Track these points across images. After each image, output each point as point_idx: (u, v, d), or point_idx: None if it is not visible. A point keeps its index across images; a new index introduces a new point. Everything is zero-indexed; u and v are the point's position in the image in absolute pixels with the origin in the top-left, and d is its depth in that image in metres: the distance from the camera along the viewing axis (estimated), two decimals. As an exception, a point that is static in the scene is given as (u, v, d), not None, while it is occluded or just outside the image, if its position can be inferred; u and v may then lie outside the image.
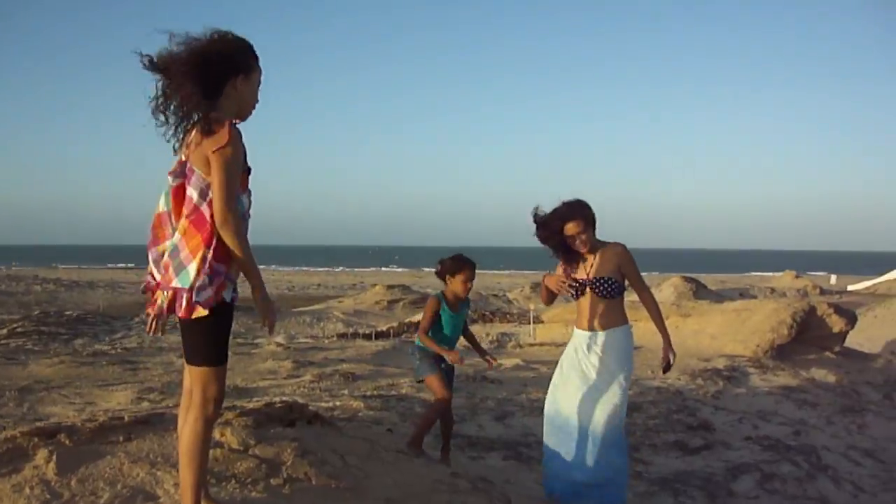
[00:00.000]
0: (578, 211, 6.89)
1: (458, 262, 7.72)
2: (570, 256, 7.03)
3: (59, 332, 28.46)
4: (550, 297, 7.43)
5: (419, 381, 7.94)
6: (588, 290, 6.91)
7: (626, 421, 10.16)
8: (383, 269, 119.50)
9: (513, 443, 8.99)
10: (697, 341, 18.41)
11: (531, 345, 21.09)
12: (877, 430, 12.15)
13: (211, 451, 5.18)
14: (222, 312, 4.15)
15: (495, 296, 49.41)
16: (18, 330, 27.57)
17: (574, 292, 6.95)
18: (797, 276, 73.06)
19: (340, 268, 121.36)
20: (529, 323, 29.02)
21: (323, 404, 9.13)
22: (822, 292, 63.44)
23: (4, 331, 26.71)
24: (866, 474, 9.79)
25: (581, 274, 7.00)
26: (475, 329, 33.52)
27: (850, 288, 72.31)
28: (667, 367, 7.10)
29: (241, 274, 4.22)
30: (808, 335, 17.96)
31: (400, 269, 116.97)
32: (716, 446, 9.57)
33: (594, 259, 6.96)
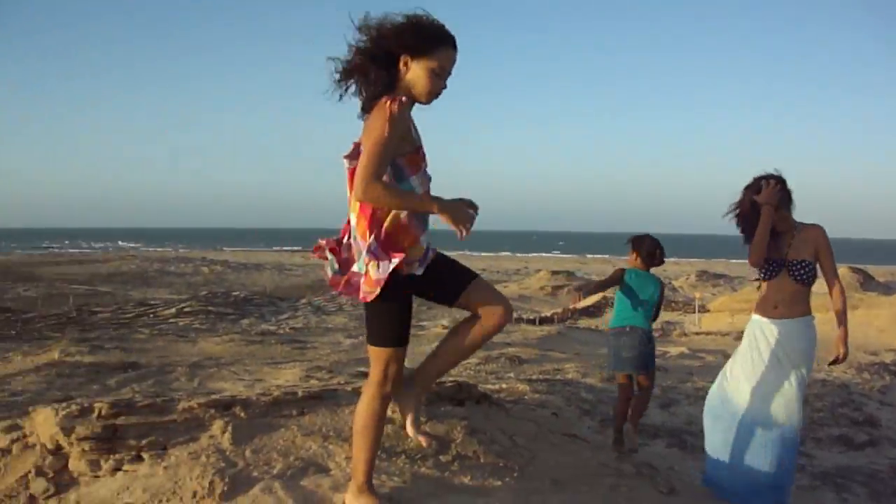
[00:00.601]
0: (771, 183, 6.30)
1: (647, 242, 8.02)
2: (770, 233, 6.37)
3: (227, 311, 29.05)
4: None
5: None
6: (784, 271, 6.34)
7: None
8: (544, 254, 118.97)
9: (677, 430, 8.94)
10: (864, 334, 18.04)
11: (696, 333, 20.94)
12: None
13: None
14: (395, 297, 4.14)
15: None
16: (186, 309, 28.24)
17: (765, 271, 6.40)
18: (973, 269, 70.61)
19: (505, 252, 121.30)
20: (695, 312, 28.76)
21: (489, 386, 9.18)
22: None
23: (173, 310, 27.40)
24: None
25: (777, 253, 6.38)
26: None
27: None
28: (835, 361, 6.43)
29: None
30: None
31: (564, 255, 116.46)
32: (881, 443, 9.35)
33: (791, 239, 6.39)
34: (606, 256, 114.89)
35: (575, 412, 8.88)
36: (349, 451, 4.87)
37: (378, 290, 4.04)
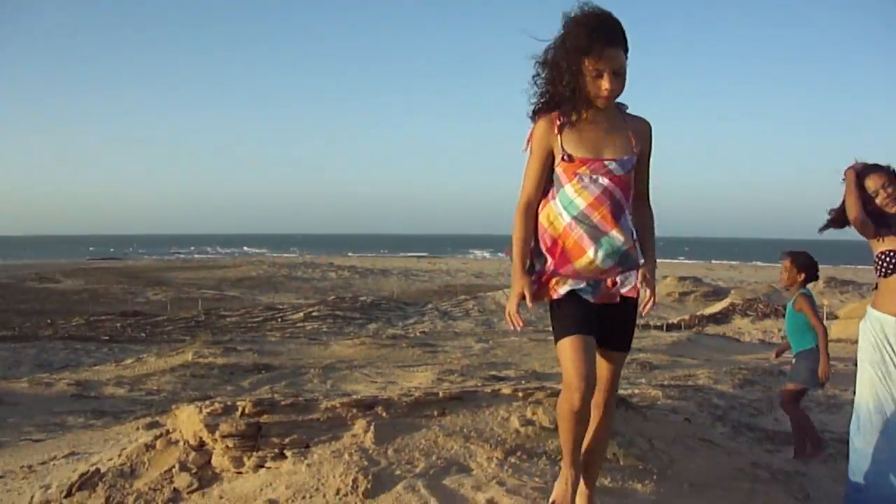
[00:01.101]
0: (876, 166, 5.59)
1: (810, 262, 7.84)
2: (881, 222, 5.58)
3: (354, 316, 29.38)
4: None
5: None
6: None
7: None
8: (669, 260, 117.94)
9: (809, 439, 8.83)
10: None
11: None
12: None
13: (523, 429, 5.34)
14: (560, 304, 4.08)
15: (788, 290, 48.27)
16: (314, 314, 28.63)
17: (883, 267, 5.55)
18: None
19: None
20: (824, 319, 28.41)
21: (622, 391, 9.18)
22: None
23: (301, 314, 27.77)
24: None
25: (892, 244, 5.54)
26: (767, 324, 33.04)
27: None
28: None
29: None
30: None
31: (689, 261, 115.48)
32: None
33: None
34: (734, 262, 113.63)
35: (707, 418, 8.82)
36: (490, 452, 4.94)
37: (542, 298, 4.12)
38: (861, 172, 5.55)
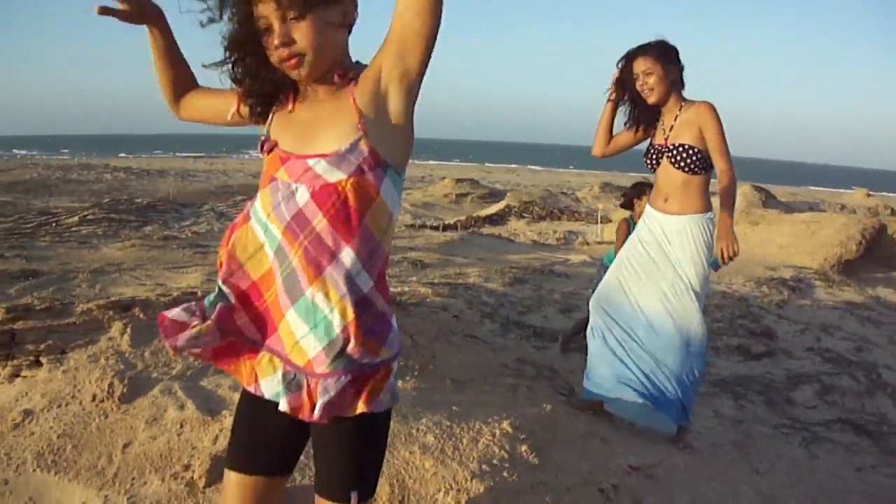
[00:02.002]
0: (653, 47, 5.49)
1: (641, 186, 8.03)
2: (648, 116, 5.72)
3: (130, 219, 28.71)
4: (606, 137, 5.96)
5: None
6: (665, 158, 5.61)
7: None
8: (445, 162, 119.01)
9: (578, 335, 9.02)
10: (765, 250, 18.37)
11: (598, 243, 21.13)
12: (941, 353, 12.15)
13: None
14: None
15: (564, 194, 49.18)
16: (89, 217, 27.83)
17: (648, 160, 5.71)
18: (869, 195, 72.37)
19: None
20: (597, 223, 29.07)
21: (392, 289, 9.21)
22: (894, 213, 62.98)
23: (76, 218, 27.00)
24: (926, 395, 9.81)
25: (659, 139, 5.66)
26: (543, 226, 33.68)
27: (924, 210, 71.62)
28: (724, 259, 5.34)
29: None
30: (876, 253, 17.92)
31: (465, 164, 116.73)
32: (777, 354, 9.56)
33: (674, 120, 5.59)
34: (512, 165, 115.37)
35: (476, 315, 8.93)
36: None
37: None
38: (633, 52, 5.56)
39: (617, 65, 5.65)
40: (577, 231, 29.27)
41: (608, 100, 5.76)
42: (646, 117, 5.74)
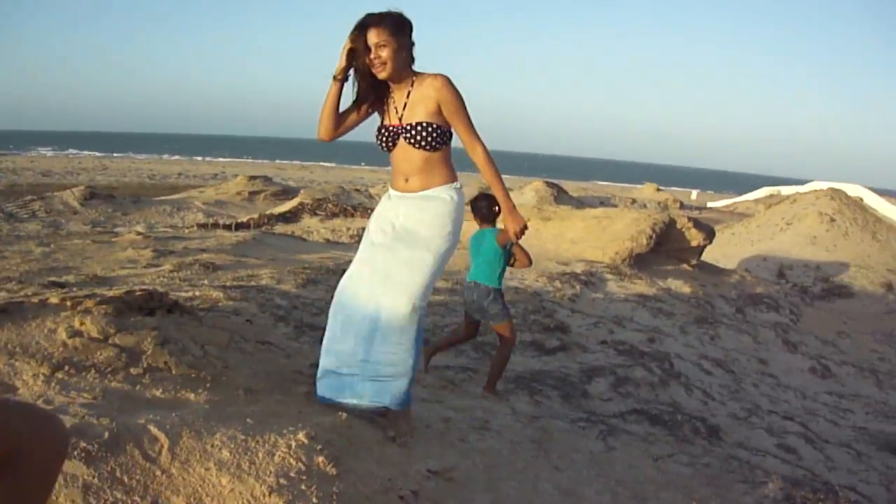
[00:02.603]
0: (389, 18, 5.14)
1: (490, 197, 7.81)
2: (377, 91, 5.35)
3: None
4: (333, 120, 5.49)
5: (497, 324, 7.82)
6: (401, 139, 5.30)
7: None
8: (237, 159, 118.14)
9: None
10: (557, 245, 18.73)
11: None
12: (728, 342, 12.62)
13: (70, 341, 5.14)
14: None
15: (357, 191, 49.29)
16: None
17: (382, 142, 5.40)
18: (658, 189, 75.05)
19: (198, 157, 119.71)
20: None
21: (183, 294, 9.05)
22: (683, 207, 65.62)
23: None
24: (716, 383, 10.15)
25: (391, 119, 5.36)
26: (336, 223, 33.67)
27: (710, 205, 75.32)
28: (517, 236, 5.48)
29: None
30: (666, 247, 18.50)
31: (259, 160, 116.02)
32: (572, 348, 9.76)
33: (406, 97, 5.29)
34: (305, 163, 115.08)
35: (269, 319, 8.85)
36: (37, 368, 4.73)
37: None
38: (365, 21, 5.12)
39: (350, 34, 5.16)
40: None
41: (334, 78, 5.27)
42: (374, 93, 5.35)
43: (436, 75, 5.25)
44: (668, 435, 7.42)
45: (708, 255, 20.61)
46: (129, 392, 4.74)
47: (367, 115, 5.50)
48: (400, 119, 5.30)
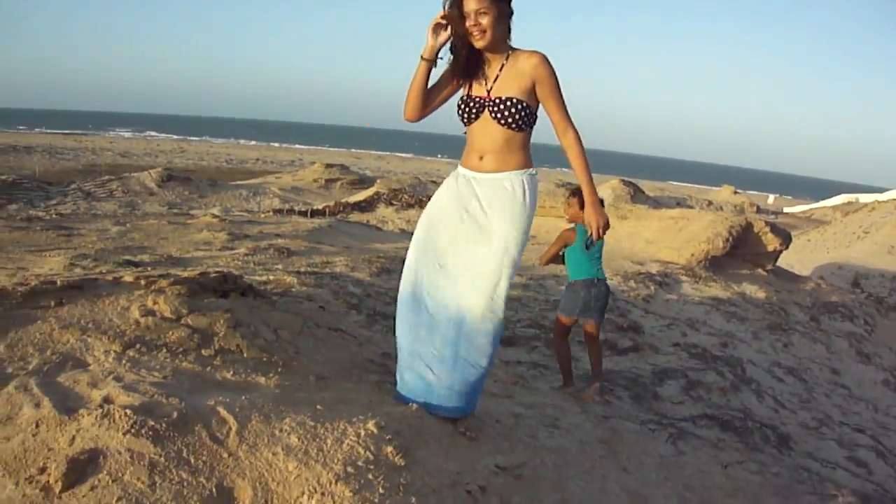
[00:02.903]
0: None
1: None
2: (473, 63, 5.01)
3: (-6, 195, 28.19)
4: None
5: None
6: (486, 112, 4.97)
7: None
8: (314, 147, 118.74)
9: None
10: (632, 244, 18.62)
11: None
12: (801, 350, 12.42)
13: (143, 319, 5.14)
14: None
15: (434, 182, 49.20)
16: (-50, 193, 27.28)
17: (464, 114, 5.05)
18: (735, 192, 74.54)
19: (275, 143, 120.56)
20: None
21: (257, 278, 9.08)
22: (759, 211, 65.14)
23: (-66, 194, 26.35)
24: (787, 391, 9.99)
25: (478, 90, 5.03)
26: (412, 214, 33.64)
27: (786, 210, 74.71)
28: (599, 234, 5.33)
29: None
30: (742, 250, 18.30)
31: (333, 149, 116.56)
32: (644, 349, 9.65)
33: (499, 70, 4.99)
34: (382, 153, 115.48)
35: (342, 306, 8.84)
36: (108, 345, 4.73)
37: None
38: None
39: (445, 4, 4.86)
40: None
41: (422, 58, 4.96)
42: (471, 64, 5.02)
43: (532, 52, 4.96)
44: (738, 441, 7.32)
45: (783, 261, 20.38)
46: (200, 373, 4.73)
47: (458, 88, 5.17)
48: (489, 91, 4.98)
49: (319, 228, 18.21)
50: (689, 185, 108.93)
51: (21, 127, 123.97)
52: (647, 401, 8.00)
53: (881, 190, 75.56)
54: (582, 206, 7.04)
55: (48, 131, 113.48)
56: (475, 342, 5.01)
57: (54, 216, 18.26)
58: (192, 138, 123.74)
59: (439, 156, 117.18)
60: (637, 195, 44.81)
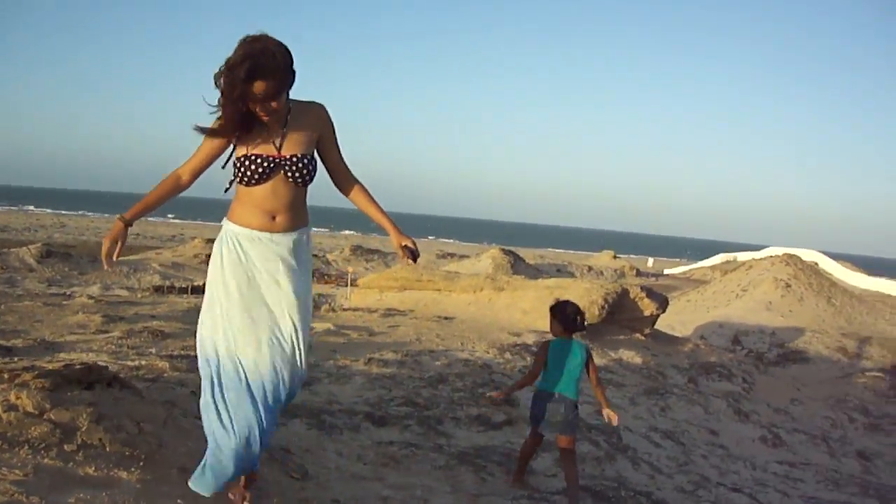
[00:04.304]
0: (280, 64, 4.56)
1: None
2: (247, 125, 4.72)
3: None
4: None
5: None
6: (281, 173, 4.80)
7: (432, 392, 10.26)
8: (198, 221, 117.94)
9: (316, 410, 8.79)
10: (510, 315, 18.76)
11: (345, 309, 21.12)
12: (678, 413, 12.62)
13: (5, 415, 5.09)
14: None
15: (315, 256, 49.20)
16: None
17: (254, 168, 4.76)
18: (615, 257, 75.81)
19: (158, 217, 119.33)
20: (346, 285, 29.17)
21: (129, 363, 9.00)
22: (639, 274, 66.25)
23: None
24: (664, 455, 10.13)
25: (265, 148, 4.78)
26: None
27: (666, 271, 76.17)
28: (411, 255, 5.07)
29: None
30: (619, 316, 18.54)
31: (211, 223, 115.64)
32: (518, 422, 9.68)
33: (282, 126, 4.80)
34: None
35: (215, 390, 8.78)
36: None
37: None
38: (257, 66, 4.47)
39: (231, 78, 4.51)
40: (326, 294, 29.33)
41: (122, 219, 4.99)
42: (247, 122, 4.74)
43: (314, 103, 4.97)
44: (612, 512, 7.41)
45: (663, 322, 20.70)
46: (62, 469, 4.69)
47: (227, 146, 4.87)
48: (278, 150, 4.78)
49: (196, 308, 18.03)
50: (569, 251, 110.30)
51: None
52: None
53: (758, 247, 77.26)
54: (562, 321, 7.60)
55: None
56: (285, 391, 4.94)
57: None
58: (70, 213, 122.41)
59: (322, 228, 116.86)
60: (517, 263, 45.24)
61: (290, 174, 4.78)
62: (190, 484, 4.67)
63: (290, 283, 4.86)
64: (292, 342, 4.85)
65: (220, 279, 4.86)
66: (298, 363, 4.90)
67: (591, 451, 9.13)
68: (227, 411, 4.72)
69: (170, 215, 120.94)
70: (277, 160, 4.76)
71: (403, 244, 5.05)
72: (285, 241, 4.88)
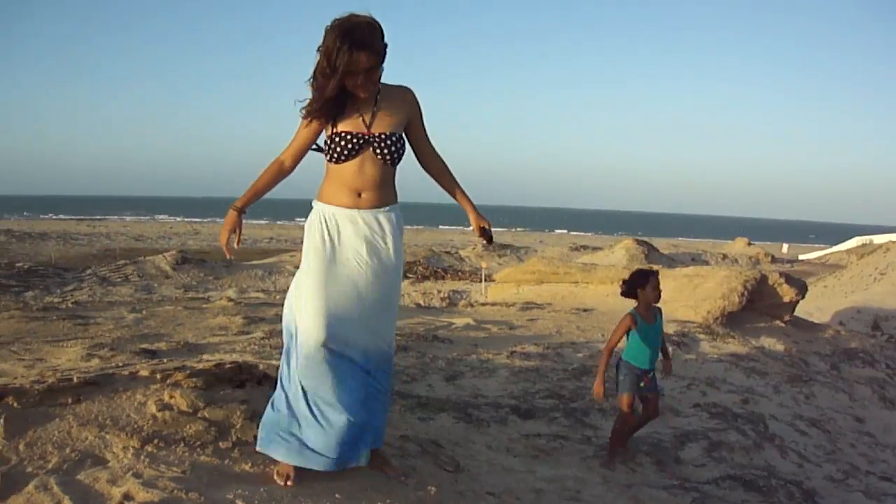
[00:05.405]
0: (378, 35, 4.74)
1: (646, 274, 7.91)
2: (341, 104, 4.89)
3: (11, 283, 28.25)
4: None
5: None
6: (368, 150, 4.94)
7: (576, 385, 10.19)
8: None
9: (462, 404, 8.88)
10: (650, 304, 18.53)
11: (483, 304, 21.09)
12: (823, 400, 12.33)
13: (160, 414, 5.18)
14: None
15: (448, 253, 49.37)
16: (-33, 283, 27.36)
17: (344, 145, 4.91)
18: (749, 244, 74.45)
19: (295, 220, 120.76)
20: (481, 281, 29.11)
21: (273, 362, 9.05)
22: (774, 260, 64.93)
23: (-47, 285, 26.44)
24: (811, 444, 9.91)
25: (354, 126, 4.94)
26: (427, 286, 33.70)
27: (801, 257, 74.55)
28: (487, 236, 5.44)
29: None
30: (758, 304, 18.17)
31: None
32: (664, 412, 9.58)
33: (372, 105, 4.96)
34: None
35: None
36: (126, 441, 4.78)
37: None
38: (362, 40, 4.64)
39: (338, 49, 4.63)
40: (461, 290, 29.36)
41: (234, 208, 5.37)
42: (339, 103, 4.91)
43: (403, 87, 5.13)
44: (763, 501, 7.28)
45: (801, 309, 20.26)
46: (218, 466, 4.76)
47: (321, 130, 5.07)
48: (368, 128, 4.95)
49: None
50: (703, 239, 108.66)
51: (26, 213, 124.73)
52: (669, 465, 7.96)
53: (893, 229, 75.34)
54: (631, 292, 7.87)
55: (60, 217, 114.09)
56: (383, 373, 5.23)
57: (70, 305, 18.31)
58: (202, 220, 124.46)
59: (454, 225, 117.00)
60: (651, 254, 44.72)
61: (378, 151, 4.93)
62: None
63: (371, 260, 4.97)
64: (376, 319, 5.03)
65: (313, 257, 4.99)
66: (383, 342, 5.10)
67: (739, 441, 8.98)
68: (333, 389, 4.93)
69: (298, 219, 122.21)
70: (367, 137, 4.92)
71: (482, 225, 5.41)
72: (371, 218, 5.00)
